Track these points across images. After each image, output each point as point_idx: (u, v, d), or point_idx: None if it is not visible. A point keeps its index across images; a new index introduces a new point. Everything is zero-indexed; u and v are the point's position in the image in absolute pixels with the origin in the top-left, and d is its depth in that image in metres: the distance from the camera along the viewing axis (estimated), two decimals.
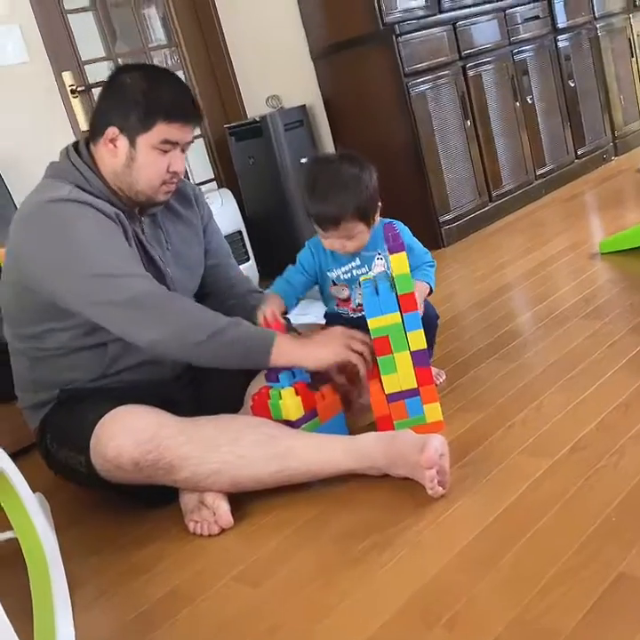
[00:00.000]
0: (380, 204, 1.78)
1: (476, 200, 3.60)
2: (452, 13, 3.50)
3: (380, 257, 1.81)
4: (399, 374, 1.66)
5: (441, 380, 1.94)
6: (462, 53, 3.52)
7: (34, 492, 1.52)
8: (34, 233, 1.62)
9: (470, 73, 3.56)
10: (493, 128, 3.67)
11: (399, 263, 1.62)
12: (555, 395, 1.75)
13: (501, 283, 2.73)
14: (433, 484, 1.40)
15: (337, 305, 1.90)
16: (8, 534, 1.47)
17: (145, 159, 1.67)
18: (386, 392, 1.68)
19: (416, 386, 1.67)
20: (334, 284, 1.87)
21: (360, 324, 1.71)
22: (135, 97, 1.65)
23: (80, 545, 1.63)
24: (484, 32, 3.64)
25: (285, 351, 1.63)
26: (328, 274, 1.86)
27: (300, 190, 1.78)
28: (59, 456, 1.71)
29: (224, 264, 2.00)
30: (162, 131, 1.65)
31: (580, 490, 1.35)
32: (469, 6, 3.60)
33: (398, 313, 1.64)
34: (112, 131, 1.67)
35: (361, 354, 1.66)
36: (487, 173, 3.64)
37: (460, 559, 1.25)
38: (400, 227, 1.80)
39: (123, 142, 1.67)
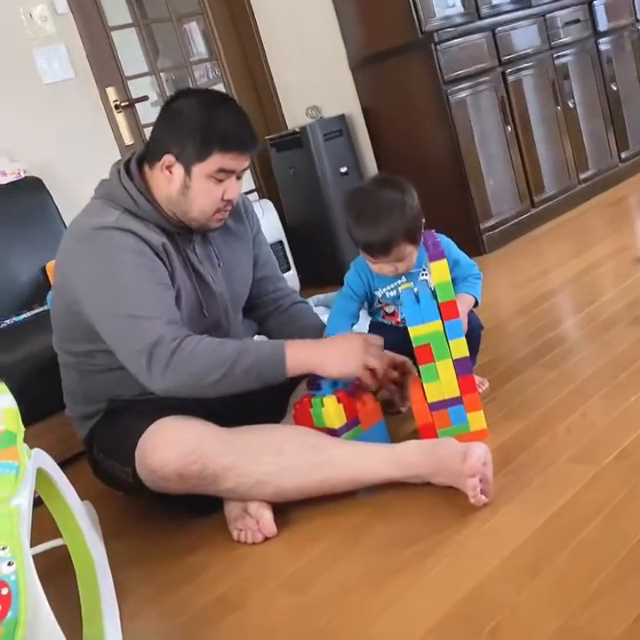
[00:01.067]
0: (423, 220, 1.79)
1: (518, 206, 3.57)
2: (492, 19, 3.49)
3: (424, 273, 1.80)
4: (442, 382, 1.66)
5: (484, 388, 1.93)
6: (502, 59, 3.51)
7: (82, 500, 1.55)
8: (80, 258, 1.66)
9: (510, 78, 3.54)
10: (534, 133, 3.64)
11: (439, 271, 1.62)
12: (599, 401, 1.73)
13: (545, 289, 2.70)
14: (475, 493, 1.40)
15: (383, 316, 1.91)
16: (58, 542, 1.49)
17: (200, 188, 1.67)
18: (428, 400, 1.68)
19: (459, 394, 1.66)
20: (380, 303, 1.88)
21: (404, 333, 1.72)
22: (191, 126, 1.64)
23: (127, 553, 1.66)
24: (524, 37, 3.62)
25: (300, 361, 1.63)
26: (375, 293, 1.87)
27: (345, 221, 1.77)
28: (105, 466, 1.74)
29: (271, 276, 2.00)
30: (217, 161, 1.65)
31: (626, 498, 1.33)
32: (509, 12, 3.58)
33: (439, 321, 1.64)
34: (168, 158, 1.66)
35: (373, 370, 1.65)
36: (529, 179, 3.62)
37: (503, 568, 1.24)
38: (444, 241, 1.80)
39: (178, 170, 1.67)
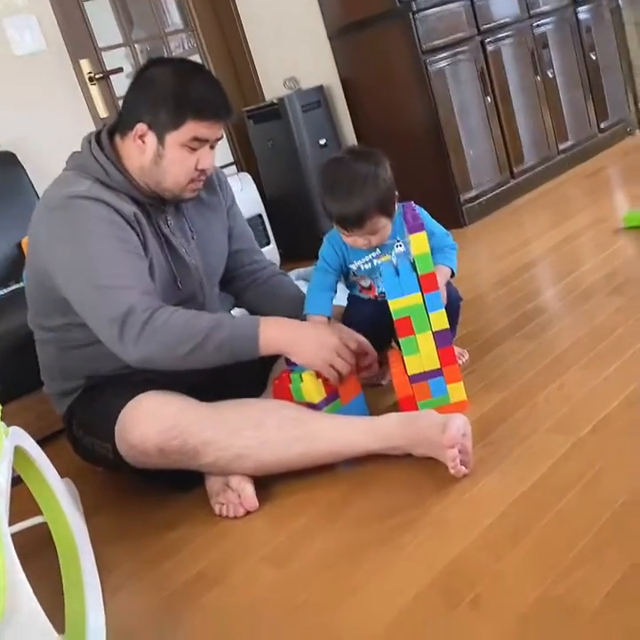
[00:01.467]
0: (396, 193, 1.77)
1: (498, 177, 3.56)
2: None
3: (399, 244, 1.80)
4: (422, 355, 1.66)
5: (464, 360, 1.94)
6: (481, 28, 3.47)
7: (62, 477, 1.54)
8: (52, 228, 1.64)
9: (489, 48, 3.51)
10: (514, 103, 3.62)
11: (419, 243, 1.62)
12: (578, 372, 1.74)
13: (524, 260, 2.71)
14: (455, 464, 1.41)
15: (360, 291, 1.90)
16: (38, 519, 1.49)
17: (173, 157, 1.65)
18: (408, 373, 1.68)
19: (439, 366, 1.67)
20: (355, 275, 1.87)
21: (381, 307, 1.71)
22: (165, 94, 1.62)
23: (108, 529, 1.65)
24: (503, 5, 3.58)
25: (273, 341, 1.61)
26: (350, 266, 1.85)
27: (319, 193, 1.75)
28: (85, 442, 1.73)
29: (247, 249, 1.99)
30: (191, 128, 1.63)
31: (603, 467, 1.35)
32: None
33: (419, 293, 1.64)
34: (141, 127, 1.64)
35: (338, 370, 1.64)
36: (508, 150, 3.60)
37: (483, 538, 1.25)
38: (420, 212, 1.79)
39: (151, 139, 1.65)
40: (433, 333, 1.65)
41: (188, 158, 1.66)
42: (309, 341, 1.63)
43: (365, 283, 1.87)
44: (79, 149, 1.73)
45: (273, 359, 1.79)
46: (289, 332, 1.64)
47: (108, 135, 1.71)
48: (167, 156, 1.65)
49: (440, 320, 1.65)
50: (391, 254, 1.79)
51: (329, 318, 1.81)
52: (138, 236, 1.66)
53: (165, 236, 1.74)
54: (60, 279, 1.63)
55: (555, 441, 1.47)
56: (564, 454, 1.42)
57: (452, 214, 3.31)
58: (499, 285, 2.51)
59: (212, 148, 1.70)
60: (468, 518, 1.32)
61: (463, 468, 1.42)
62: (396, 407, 1.71)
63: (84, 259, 1.60)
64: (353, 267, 1.85)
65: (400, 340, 1.67)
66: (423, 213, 1.82)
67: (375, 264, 1.82)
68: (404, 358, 1.68)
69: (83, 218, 1.60)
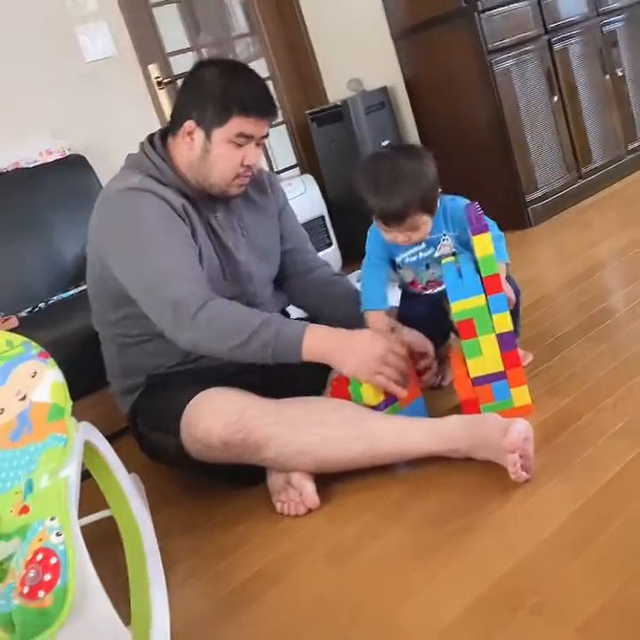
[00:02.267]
0: (439, 190, 1.75)
1: (565, 177, 3.50)
2: None
3: (445, 239, 1.78)
4: (485, 357, 1.64)
5: (528, 362, 1.90)
6: (548, 27, 3.41)
7: (129, 473, 1.58)
8: (106, 220, 1.72)
9: (556, 47, 3.45)
10: (582, 103, 3.55)
11: (483, 244, 1.60)
12: None
13: (592, 262, 2.65)
14: (516, 468, 1.39)
15: (409, 285, 1.89)
16: (105, 513, 1.53)
17: (220, 152, 1.71)
18: (471, 376, 1.66)
19: (503, 369, 1.65)
20: (400, 267, 1.86)
21: (437, 303, 1.69)
22: (212, 91, 1.69)
23: (172, 525, 1.69)
24: (571, 4, 3.51)
25: (317, 349, 1.61)
26: (395, 259, 1.84)
27: (360, 187, 1.72)
28: (150, 438, 1.77)
29: (300, 249, 2.02)
30: (237, 124, 1.69)
31: None
32: None
33: (483, 295, 1.62)
34: (189, 124, 1.72)
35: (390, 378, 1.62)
36: (576, 149, 3.54)
37: (547, 544, 1.24)
38: (463, 203, 1.78)
39: (199, 135, 1.72)
40: (497, 336, 1.63)
41: (234, 154, 1.72)
42: (353, 354, 1.61)
43: (408, 277, 1.85)
44: (136, 152, 1.81)
45: None
46: (333, 342, 1.62)
47: (160, 137, 1.80)
48: (214, 152, 1.71)
49: (504, 322, 1.63)
50: (437, 248, 1.78)
51: (388, 312, 1.80)
52: (186, 225, 1.72)
53: (214, 229, 1.79)
54: (116, 267, 1.69)
55: (622, 446, 1.43)
56: (631, 460, 1.38)
57: (517, 215, 3.27)
58: (566, 287, 2.47)
59: (258, 145, 1.75)
60: (531, 524, 1.30)
61: (524, 473, 1.40)
62: (457, 410, 1.69)
63: (139, 246, 1.66)
64: (397, 259, 1.84)
65: (462, 343, 1.65)
66: (464, 203, 1.79)
67: (420, 257, 1.80)
68: (467, 361, 1.66)
69: (134, 208, 1.68)
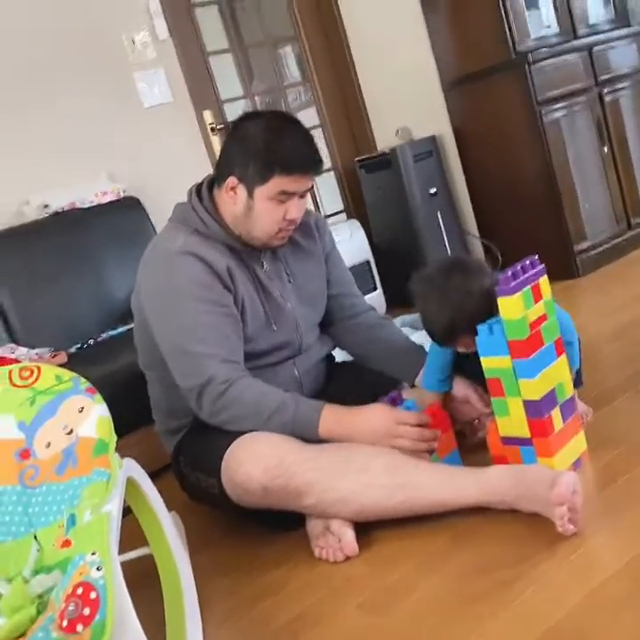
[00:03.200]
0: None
1: (614, 228, 3.47)
2: (588, 39, 3.43)
3: None
4: (511, 419, 1.59)
5: (587, 418, 1.82)
6: (599, 79, 3.43)
7: (169, 511, 1.58)
8: (149, 284, 1.76)
9: (607, 98, 3.46)
10: (632, 154, 3.54)
11: (508, 307, 1.53)
12: None
13: (639, 314, 2.61)
14: (563, 522, 1.36)
15: None
16: (144, 550, 1.53)
17: (261, 209, 1.71)
18: (500, 434, 1.62)
19: (529, 436, 1.58)
20: None
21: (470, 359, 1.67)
22: (256, 147, 1.67)
23: (210, 566, 1.68)
24: (622, 56, 3.53)
25: (332, 433, 1.64)
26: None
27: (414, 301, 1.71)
28: (192, 479, 1.78)
29: (346, 293, 2.02)
30: (278, 183, 1.68)
31: None
32: (605, 31, 3.51)
33: (508, 357, 1.56)
34: (232, 180, 1.72)
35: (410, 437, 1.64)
36: (626, 201, 3.51)
37: (593, 599, 1.20)
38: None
39: (242, 192, 1.72)
40: (523, 401, 1.57)
41: (276, 210, 1.71)
42: (364, 431, 1.64)
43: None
44: (183, 201, 1.82)
45: (378, 388, 1.82)
46: (345, 425, 1.65)
47: (208, 186, 1.80)
48: (256, 209, 1.71)
49: (530, 390, 1.55)
50: None
51: (445, 394, 1.81)
52: (229, 290, 1.73)
53: (260, 280, 1.80)
54: (154, 332, 1.75)
55: None
56: None
57: (565, 265, 3.25)
58: (612, 339, 2.43)
59: (302, 197, 1.74)
60: (577, 577, 1.27)
61: (571, 526, 1.37)
62: (488, 465, 1.64)
63: (174, 320, 1.70)
64: (481, 327, 1.79)
65: (492, 400, 1.62)
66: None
67: None
68: (497, 418, 1.62)
69: (175, 277, 1.70)
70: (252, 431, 1.64)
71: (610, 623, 1.13)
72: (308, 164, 1.71)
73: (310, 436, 1.64)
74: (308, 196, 1.80)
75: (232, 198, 1.74)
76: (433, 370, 1.82)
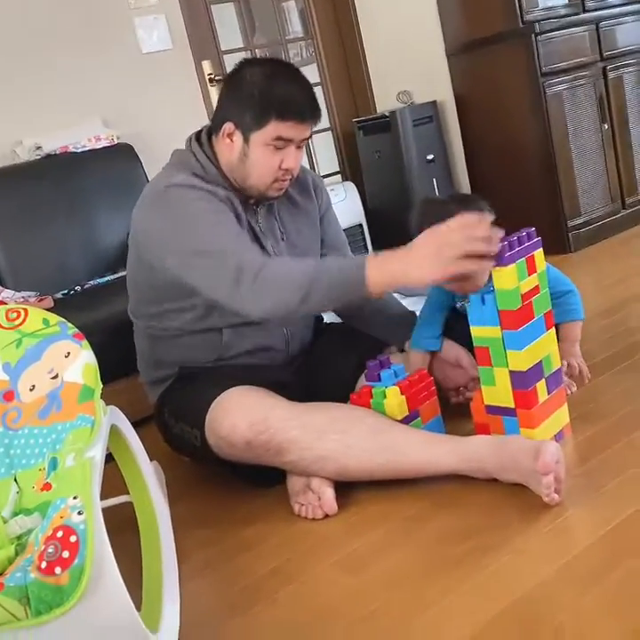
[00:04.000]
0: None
1: (609, 206, 3.47)
2: (596, 13, 3.38)
3: None
4: (498, 388, 1.60)
5: (571, 392, 1.85)
6: (604, 54, 3.39)
7: (151, 460, 1.58)
8: (155, 215, 1.69)
9: (611, 75, 3.43)
10: (632, 133, 3.52)
11: (502, 277, 1.53)
12: None
13: (629, 293, 2.62)
14: (549, 491, 1.37)
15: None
16: (124, 498, 1.53)
17: (257, 156, 1.69)
18: (485, 403, 1.63)
19: (513, 406, 1.59)
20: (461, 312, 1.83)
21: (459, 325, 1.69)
22: (251, 93, 1.65)
23: (189, 517, 1.69)
24: (629, 33, 3.49)
25: (382, 274, 1.51)
26: (456, 305, 1.84)
27: (413, 231, 1.64)
28: (175, 430, 1.77)
29: (339, 255, 1.99)
30: (275, 128, 1.66)
31: None
32: (615, 6, 3.46)
33: (499, 327, 1.56)
34: (228, 126, 1.70)
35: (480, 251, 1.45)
36: (622, 179, 3.50)
37: (566, 570, 1.22)
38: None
39: (238, 138, 1.70)
40: (509, 372, 1.58)
41: (272, 157, 1.69)
42: (417, 258, 1.48)
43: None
44: (182, 147, 1.80)
45: (362, 366, 1.78)
46: (395, 261, 1.51)
47: (207, 134, 1.78)
48: (252, 155, 1.69)
49: (518, 361, 1.55)
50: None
51: (433, 353, 1.81)
52: (235, 216, 1.71)
53: (255, 232, 1.78)
54: (169, 260, 1.65)
55: None
56: None
57: (558, 239, 3.24)
58: (601, 316, 2.44)
59: (299, 148, 1.72)
60: (553, 548, 1.28)
61: (556, 495, 1.38)
62: (472, 433, 1.64)
63: (189, 234, 1.63)
64: (458, 305, 1.82)
65: (479, 368, 1.62)
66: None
67: None
68: (482, 387, 1.63)
69: (182, 201, 1.66)
70: (299, 305, 1.53)
71: (578, 595, 1.15)
72: (305, 110, 1.68)
73: (359, 288, 1.51)
74: (304, 153, 1.77)
75: (229, 146, 1.72)
76: (425, 326, 1.83)
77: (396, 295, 2.75)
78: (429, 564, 1.33)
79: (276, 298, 1.56)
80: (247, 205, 1.78)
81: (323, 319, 2.06)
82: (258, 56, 3.72)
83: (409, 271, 1.49)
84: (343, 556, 1.41)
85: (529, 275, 1.57)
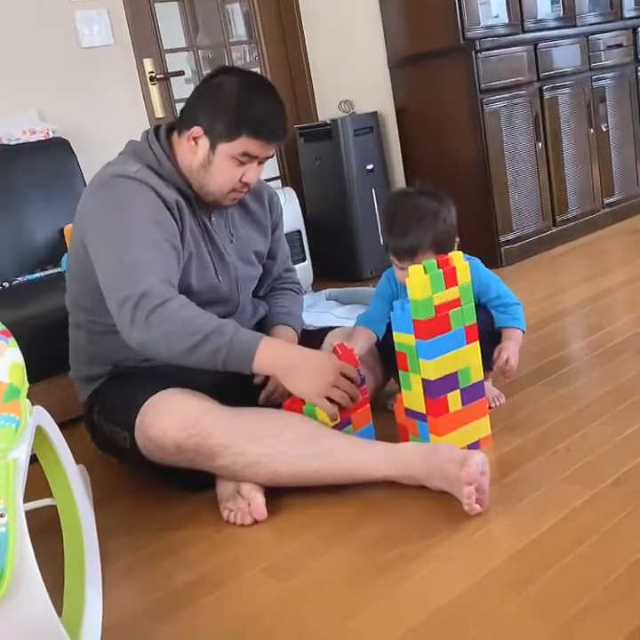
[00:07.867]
0: (457, 239, 1.78)
1: (540, 223, 3.56)
2: (535, 34, 3.48)
3: None
4: (414, 394, 1.66)
5: (499, 403, 1.92)
6: (540, 75, 3.49)
7: (77, 463, 1.55)
8: (95, 202, 1.68)
9: (547, 95, 3.53)
10: (565, 152, 3.63)
11: (415, 288, 1.57)
12: (602, 426, 1.72)
13: (557, 308, 2.69)
14: (470, 500, 1.40)
15: None
16: (48, 501, 1.49)
17: (220, 166, 1.70)
18: (404, 405, 1.69)
19: (424, 412, 1.64)
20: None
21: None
22: (228, 104, 1.66)
23: (114, 522, 1.66)
24: (565, 56, 3.60)
25: (270, 363, 1.58)
26: (395, 302, 1.86)
27: (382, 223, 1.76)
28: (104, 430, 1.74)
29: (281, 266, 2.06)
30: (244, 144, 1.67)
31: (619, 523, 1.33)
32: (552, 29, 3.57)
33: (413, 335, 1.62)
34: (197, 130, 1.69)
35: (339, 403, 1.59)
36: (554, 197, 3.61)
37: (490, 579, 1.24)
38: (475, 264, 1.77)
39: (204, 143, 1.70)
40: (422, 379, 1.62)
41: (235, 170, 1.71)
42: (304, 371, 1.59)
43: None
44: (138, 139, 1.78)
45: None
46: (286, 358, 1.60)
47: (166, 130, 1.78)
48: (215, 164, 1.70)
49: (427, 370, 1.59)
50: None
51: (378, 339, 1.86)
52: (177, 223, 1.70)
53: (208, 229, 1.79)
54: (92, 250, 1.66)
55: (573, 491, 1.46)
56: (581, 505, 1.41)
57: (489, 253, 3.31)
58: (529, 331, 2.46)
59: (260, 163, 1.75)
60: (477, 557, 1.31)
61: (478, 506, 1.41)
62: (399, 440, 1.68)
63: (118, 234, 1.62)
64: (396, 303, 1.83)
65: (399, 372, 1.68)
66: (479, 266, 1.81)
67: None
68: (402, 390, 1.69)
69: (125, 195, 1.64)
70: (183, 354, 1.55)
71: (497, 605, 1.17)
72: (278, 132, 1.72)
73: (242, 366, 1.57)
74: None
75: (192, 148, 1.72)
76: (372, 311, 1.89)
77: (333, 302, 2.77)
78: (356, 571, 1.34)
79: (165, 336, 1.56)
80: (201, 204, 1.78)
81: (263, 323, 2.04)
82: (201, 57, 3.70)
83: (290, 378, 1.59)
84: (272, 563, 1.41)
85: (447, 287, 1.60)
